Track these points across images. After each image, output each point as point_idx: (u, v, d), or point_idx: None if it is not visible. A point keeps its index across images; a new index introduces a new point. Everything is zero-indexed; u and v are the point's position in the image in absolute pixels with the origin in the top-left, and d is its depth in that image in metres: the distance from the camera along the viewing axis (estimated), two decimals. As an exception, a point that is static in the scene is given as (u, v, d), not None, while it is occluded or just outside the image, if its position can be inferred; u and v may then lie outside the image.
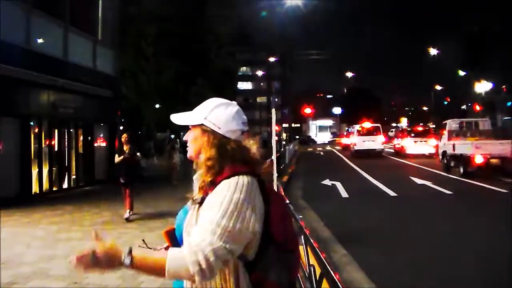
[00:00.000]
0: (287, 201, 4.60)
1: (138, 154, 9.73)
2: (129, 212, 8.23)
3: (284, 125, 44.79)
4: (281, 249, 1.48)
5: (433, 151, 23.75)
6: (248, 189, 1.43)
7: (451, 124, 18.43)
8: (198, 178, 1.54)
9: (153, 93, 21.93)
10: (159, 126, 27.79)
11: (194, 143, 1.57)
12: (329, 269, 2.17)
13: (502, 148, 14.62)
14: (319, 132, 71.95)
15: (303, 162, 25.19)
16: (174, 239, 1.57)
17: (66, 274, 4.98)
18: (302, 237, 3.25)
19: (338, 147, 42.22)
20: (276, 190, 6.58)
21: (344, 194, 11.85)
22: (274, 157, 7.02)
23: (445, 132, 18.03)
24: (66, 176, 13.03)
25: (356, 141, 27.76)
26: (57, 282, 4.76)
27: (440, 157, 18.36)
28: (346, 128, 50.47)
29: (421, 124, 45.44)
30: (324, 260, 2.32)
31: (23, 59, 10.75)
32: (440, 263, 5.55)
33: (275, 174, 6.95)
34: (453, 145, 16.30)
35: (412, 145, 26.12)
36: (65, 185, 12.96)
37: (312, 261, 2.81)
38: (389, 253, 6.13)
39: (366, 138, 27.36)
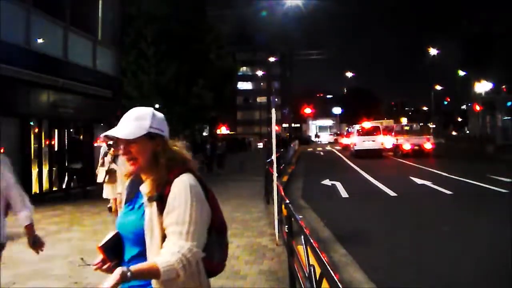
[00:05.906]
0: (287, 201, 4.58)
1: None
2: None
3: (284, 125, 44.79)
4: (218, 232, 1.66)
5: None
6: (197, 183, 1.60)
7: (396, 127, 31.55)
8: (154, 177, 1.60)
9: (153, 93, 21.88)
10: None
11: (143, 152, 1.61)
12: (329, 269, 2.17)
13: (420, 140, 26.30)
14: (319, 132, 71.89)
15: (303, 162, 25.20)
16: (109, 252, 1.67)
17: (66, 274, 4.98)
18: (302, 237, 3.24)
19: (338, 147, 42.24)
20: (277, 188, 6.58)
21: (344, 194, 11.85)
22: (274, 157, 7.03)
23: (394, 132, 29.87)
24: (66, 176, 13.01)
25: (356, 141, 27.81)
26: (57, 282, 4.76)
27: (392, 146, 29.23)
28: (346, 128, 50.49)
29: (421, 124, 46.45)
30: (324, 260, 2.31)
31: (23, 59, 10.72)
32: (440, 263, 5.55)
33: (275, 174, 6.95)
34: (397, 139, 27.81)
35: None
36: (65, 185, 12.95)
37: (312, 261, 2.81)
38: (389, 253, 6.13)
39: (366, 138, 27.40)
